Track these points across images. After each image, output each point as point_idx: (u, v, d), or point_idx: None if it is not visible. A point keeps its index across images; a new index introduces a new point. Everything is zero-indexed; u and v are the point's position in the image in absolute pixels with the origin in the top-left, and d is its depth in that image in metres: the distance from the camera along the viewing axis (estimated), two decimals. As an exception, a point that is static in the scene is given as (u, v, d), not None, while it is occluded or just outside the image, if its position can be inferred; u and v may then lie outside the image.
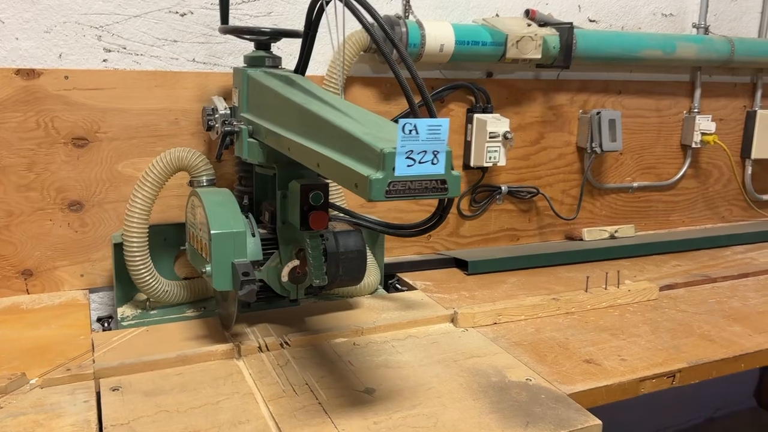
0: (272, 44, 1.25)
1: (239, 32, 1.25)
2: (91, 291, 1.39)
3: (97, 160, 1.33)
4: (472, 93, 1.65)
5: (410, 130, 0.69)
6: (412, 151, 0.70)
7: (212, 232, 1.03)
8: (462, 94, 1.66)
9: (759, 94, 2.09)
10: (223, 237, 1.04)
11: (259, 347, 1.11)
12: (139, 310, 1.33)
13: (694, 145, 1.96)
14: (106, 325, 1.29)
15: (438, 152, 0.71)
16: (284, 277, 1.13)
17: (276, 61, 1.24)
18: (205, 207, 1.07)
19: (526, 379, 1.04)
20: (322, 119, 0.82)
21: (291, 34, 1.23)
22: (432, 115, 1.06)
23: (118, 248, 1.27)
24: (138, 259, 1.26)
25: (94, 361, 1.04)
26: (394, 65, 1.04)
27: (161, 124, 1.37)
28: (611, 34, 1.72)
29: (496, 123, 1.60)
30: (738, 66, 1.96)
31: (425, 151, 0.70)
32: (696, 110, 1.97)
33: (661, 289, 1.47)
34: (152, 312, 1.33)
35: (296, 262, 1.13)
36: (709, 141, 1.95)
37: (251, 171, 1.26)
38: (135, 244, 1.25)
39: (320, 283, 1.06)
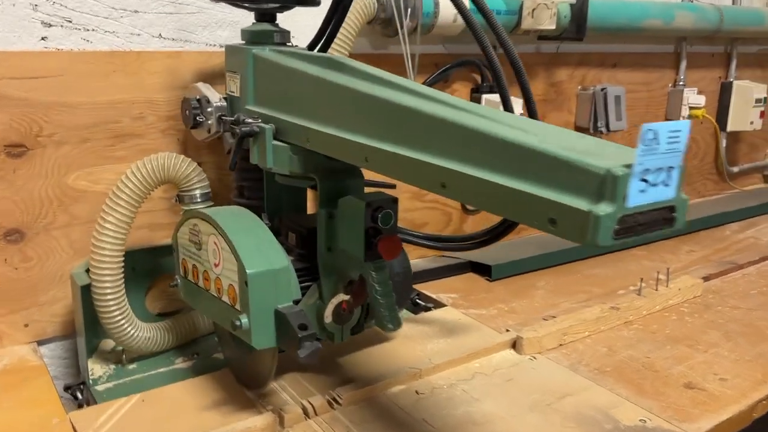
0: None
1: (239, -1, 0.95)
2: (40, 343, 1.06)
3: (40, 172, 1.00)
4: (478, 70, 1.43)
5: (651, 139, 0.47)
6: (648, 170, 0.48)
7: (249, 272, 0.76)
8: (466, 71, 1.44)
9: (734, 64, 2.03)
10: (263, 278, 0.77)
11: (305, 412, 0.85)
12: (113, 366, 1.02)
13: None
14: (78, 396, 0.97)
15: (672, 168, 0.49)
16: (327, 318, 0.87)
17: (285, 37, 0.96)
18: (228, 237, 0.79)
19: (641, 421, 0.87)
20: (455, 124, 0.58)
21: (309, 1, 0.95)
22: (531, 105, 0.85)
23: (86, 290, 0.95)
24: (112, 301, 0.96)
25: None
26: (485, 40, 0.81)
27: (122, 120, 1.05)
28: (618, 3, 1.56)
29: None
30: (723, 36, 1.87)
31: (660, 168, 0.49)
32: (682, 83, 1.87)
33: (699, 282, 1.35)
34: (131, 367, 1.03)
35: (342, 298, 0.88)
36: (697, 115, 1.86)
37: (258, 179, 0.99)
38: (108, 283, 0.94)
39: (393, 329, 0.82)
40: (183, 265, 0.93)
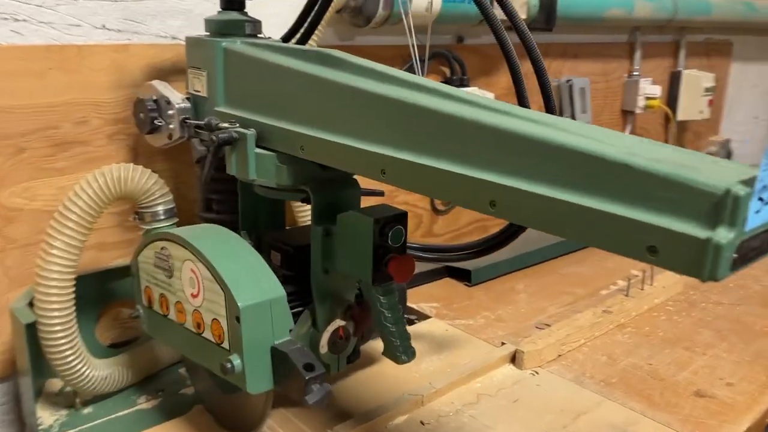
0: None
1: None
2: (-30, 390, 0.90)
3: (-36, 190, 0.84)
4: (447, 63, 1.35)
5: (774, 153, 0.39)
6: (765, 186, 0.40)
7: (241, 305, 0.65)
8: (434, 64, 1.35)
9: (683, 53, 2.04)
10: (258, 310, 0.66)
11: (306, 458, 0.75)
12: (64, 411, 0.88)
13: (637, 111, 1.86)
14: (27, 454, 0.82)
15: (783, 183, 0.42)
16: (323, 348, 0.77)
17: (257, 28, 0.84)
18: (212, 264, 0.67)
19: (663, 438, 0.81)
20: (511, 133, 0.49)
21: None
22: (550, 102, 0.77)
23: (30, 328, 0.80)
24: (62, 339, 0.82)
25: None
26: (501, 30, 0.73)
27: (63, 126, 0.90)
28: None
29: (481, 99, 1.32)
30: (674, 25, 1.87)
31: (772, 185, 0.41)
32: (637, 73, 1.86)
33: (678, 277, 1.33)
34: (86, 411, 0.89)
35: (339, 324, 0.78)
36: (653, 106, 1.85)
37: (231, 191, 0.87)
38: (56, 318, 0.80)
39: (407, 360, 0.72)
40: (146, 293, 0.81)
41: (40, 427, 0.84)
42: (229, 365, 0.66)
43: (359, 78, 0.64)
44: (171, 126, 0.84)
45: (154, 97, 0.86)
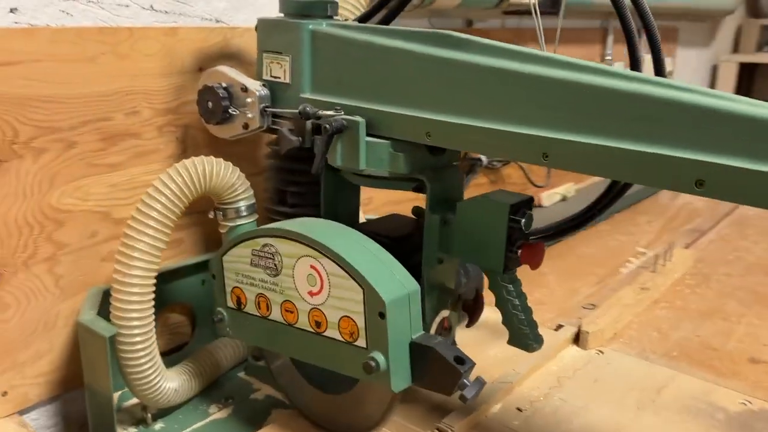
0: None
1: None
2: (21, 413, 0.81)
3: (15, 191, 0.74)
4: (461, 48, 1.34)
5: None
6: None
7: (386, 300, 0.61)
8: (448, 49, 1.34)
9: (643, 38, 2.12)
10: (400, 305, 0.63)
11: (427, 454, 0.73)
12: (133, 429, 0.81)
13: (611, 95, 1.92)
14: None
15: None
16: (431, 340, 0.75)
17: (335, 9, 0.80)
18: (345, 259, 0.63)
19: (742, 404, 0.85)
20: (701, 107, 0.49)
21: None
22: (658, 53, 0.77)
23: (100, 342, 0.73)
24: (142, 351, 0.75)
25: None
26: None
27: (115, 117, 0.82)
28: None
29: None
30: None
31: None
32: (609, 57, 1.93)
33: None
34: (158, 427, 0.82)
35: (444, 315, 0.75)
36: (626, 89, 1.92)
37: (308, 183, 0.82)
38: (137, 327, 0.74)
39: (538, 347, 0.71)
40: (234, 294, 0.75)
41: (118, 449, 0.77)
42: (373, 363, 0.62)
43: (496, 59, 0.62)
44: (249, 115, 0.78)
45: (224, 84, 0.80)
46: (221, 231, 0.81)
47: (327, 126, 0.68)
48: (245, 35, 0.94)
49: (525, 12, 1.44)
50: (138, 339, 0.74)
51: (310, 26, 0.75)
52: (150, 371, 0.76)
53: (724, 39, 2.93)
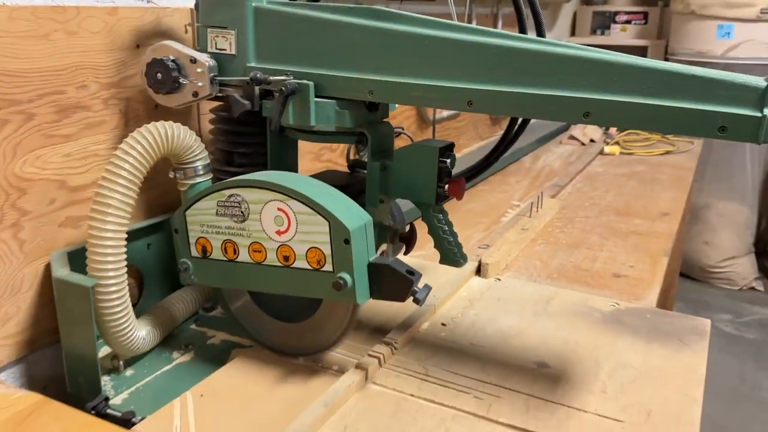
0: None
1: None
2: (-5, 374, 0.85)
3: (-17, 160, 0.79)
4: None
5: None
6: (774, 82, 0.64)
7: (351, 228, 0.75)
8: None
9: (500, 23, 2.39)
10: (361, 232, 0.77)
11: (378, 360, 0.87)
12: (107, 377, 0.88)
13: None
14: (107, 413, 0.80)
15: (776, 84, 0.67)
16: (375, 270, 0.89)
17: (270, -11, 0.91)
18: (311, 198, 0.76)
19: (612, 305, 1.08)
20: (600, 61, 0.67)
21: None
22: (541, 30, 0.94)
23: (83, 293, 0.79)
24: (117, 301, 0.83)
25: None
26: None
27: (67, 90, 0.88)
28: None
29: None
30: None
31: None
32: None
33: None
34: (129, 373, 0.90)
35: (383, 248, 0.90)
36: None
37: (256, 143, 0.93)
38: (112, 278, 0.82)
39: (464, 263, 0.87)
40: (199, 244, 0.85)
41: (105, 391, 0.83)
42: (342, 282, 0.76)
43: (424, 28, 0.77)
44: (200, 84, 0.88)
45: (172, 57, 0.88)
46: (181, 189, 0.90)
47: (283, 89, 0.80)
48: (174, 14, 1.02)
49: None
50: (114, 289, 0.82)
51: (253, 4, 0.86)
52: (124, 319, 0.84)
53: (564, 24, 3.32)
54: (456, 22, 0.77)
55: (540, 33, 0.90)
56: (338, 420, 0.77)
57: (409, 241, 0.91)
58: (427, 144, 0.83)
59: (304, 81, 0.82)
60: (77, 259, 0.86)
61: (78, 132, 0.90)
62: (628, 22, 3.41)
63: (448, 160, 0.83)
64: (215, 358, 0.94)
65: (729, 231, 3.30)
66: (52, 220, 0.89)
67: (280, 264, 0.80)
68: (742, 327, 2.97)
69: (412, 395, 0.82)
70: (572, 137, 2.41)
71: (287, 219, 0.78)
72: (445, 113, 1.94)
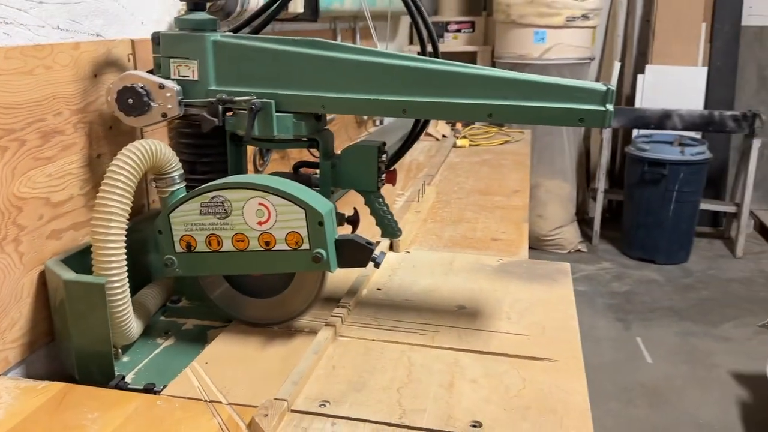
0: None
1: (186, -10, 1.02)
2: (3, 374, 0.95)
3: (-8, 183, 0.89)
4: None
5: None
6: (611, 87, 0.96)
7: (323, 212, 0.96)
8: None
9: (358, 36, 2.66)
10: (330, 215, 0.98)
11: (341, 318, 1.09)
12: (108, 365, 1.01)
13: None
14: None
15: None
16: (328, 248, 1.11)
17: (218, 24, 1.09)
18: (288, 192, 0.96)
19: (499, 261, 1.39)
20: (495, 77, 0.95)
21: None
22: (435, 44, 1.20)
23: (97, 290, 0.93)
24: (121, 295, 0.98)
25: None
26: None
27: (47, 117, 0.99)
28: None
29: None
30: (361, 14, 2.46)
31: (610, 87, 0.97)
32: (339, 52, 2.40)
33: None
34: (125, 360, 1.04)
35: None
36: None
37: (217, 153, 1.10)
38: (117, 275, 0.97)
39: (401, 234, 1.12)
40: (183, 241, 1.01)
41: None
42: (320, 255, 0.97)
43: (355, 55, 1.01)
44: (169, 106, 1.03)
45: (141, 84, 1.03)
46: (161, 196, 1.05)
47: (252, 107, 0.99)
48: (120, 46, 1.16)
49: (291, 19, 1.82)
50: (118, 285, 0.96)
51: (212, 38, 1.04)
52: (128, 310, 0.99)
53: (403, 33, 3.68)
54: (381, 50, 1.02)
55: (436, 54, 1.17)
56: (326, 362, 0.98)
57: (354, 222, 1.14)
58: (367, 143, 1.06)
59: (266, 99, 1.02)
60: (70, 264, 0.99)
61: (56, 154, 1.02)
62: (458, 30, 3.87)
63: (384, 155, 1.07)
64: (195, 339, 1.10)
65: (556, 205, 3.87)
66: (42, 233, 1.00)
67: (262, 248, 1.00)
68: (574, 282, 3.51)
69: (373, 340, 1.05)
70: (428, 134, 2.75)
71: (267, 211, 0.98)
72: (326, 119, 2.17)
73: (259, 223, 0.99)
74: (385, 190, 1.13)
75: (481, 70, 0.97)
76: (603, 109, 0.93)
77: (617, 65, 4.14)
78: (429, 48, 1.13)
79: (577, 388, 0.91)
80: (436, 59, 1.00)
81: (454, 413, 0.85)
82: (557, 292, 1.23)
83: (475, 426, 0.83)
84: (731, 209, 4.07)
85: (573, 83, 0.94)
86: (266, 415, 0.82)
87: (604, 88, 0.93)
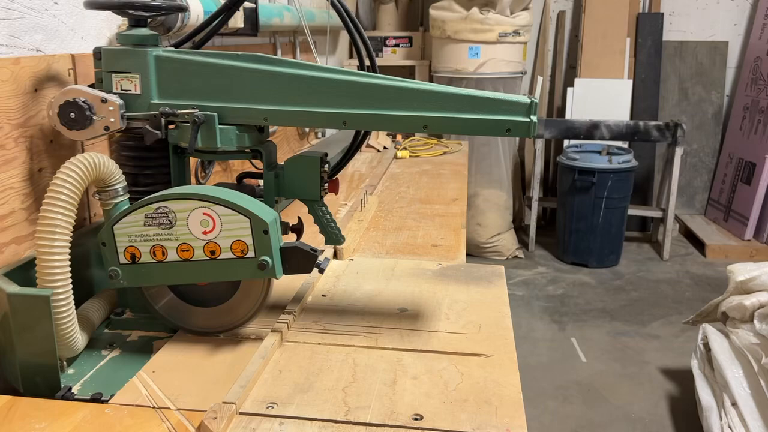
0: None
1: (127, 6, 1.04)
2: (-54, 392, 0.94)
3: (-68, 198, 0.89)
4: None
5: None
6: (536, 99, 1.03)
7: (268, 221, 1.00)
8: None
9: (298, 50, 2.70)
10: (274, 224, 1.02)
11: (287, 324, 1.12)
12: (53, 378, 1.02)
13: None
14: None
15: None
16: (272, 256, 1.14)
17: (160, 40, 1.11)
18: (233, 202, 0.99)
19: (439, 265, 1.45)
20: (429, 91, 1.01)
21: (177, 8, 1.12)
22: (372, 59, 1.25)
23: (42, 302, 0.93)
24: (66, 308, 0.99)
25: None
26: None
27: (-13, 132, 0.99)
28: (263, 6, 2.00)
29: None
30: (300, 29, 2.51)
31: (535, 99, 1.05)
32: (279, 66, 2.44)
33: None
34: (71, 372, 1.04)
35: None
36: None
37: (159, 166, 1.12)
38: (61, 287, 0.98)
39: (344, 241, 1.16)
40: (128, 252, 1.03)
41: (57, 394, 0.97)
42: (265, 263, 1.00)
43: (295, 69, 1.05)
44: (112, 119, 1.05)
45: (83, 99, 1.04)
46: (105, 208, 1.06)
47: (196, 119, 1.02)
48: (60, 61, 1.16)
49: (231, 34, 1.84)
50: (63, 297, 0.97)
51: (154, 53, 1.06)
52: (72, 323, 0.99)
53: (343, 47, 3.74)
54: (322, 65, 1.06)
55: (374, 69, 1.22)
56: (273, 366, 1.01)
57: (299, 231, 1.17)
58: (310, 154, 1.10)
59: (209, 112, 1.05)
60: (13, 278, 0.99)
61: (-3, 168, 1.02)
62: (397, 45, 3.95)
63: (326, 165, 1.11)
64: (140, 350, 1.11)
65: (493, 213, 3.99)
66: (-17, 247, 1.00)
67: (207, 258, 1.02)
68: (512, 287, 3.64)
69: (319, 344, 1.09)
70: (369, 145, 2.81)
71: (212, 221, 1.01)
72: (267, 132, 2.20)
73: (204, 233, 1.01)
74: (329, 199, 1.17)
75: (417, 84, 1.03)
76: (528, 120, 1.00)
77: (540, 79, 4.32)
78: (367, 62, 1.18)
79: (511, 381, 0.97)
80: (373, 74, 1.05)
81: (397, 408, 0.90)
82: (492, 293, 1.30)
83: (416, 419, 0.88)
84: (657, 214, 4.29)
85: (500, 96, 1.01)
86: (215, 417, 0.85)
87: (528, 100, 1.00)
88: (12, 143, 1.05)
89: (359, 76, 1.04)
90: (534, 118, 1.00)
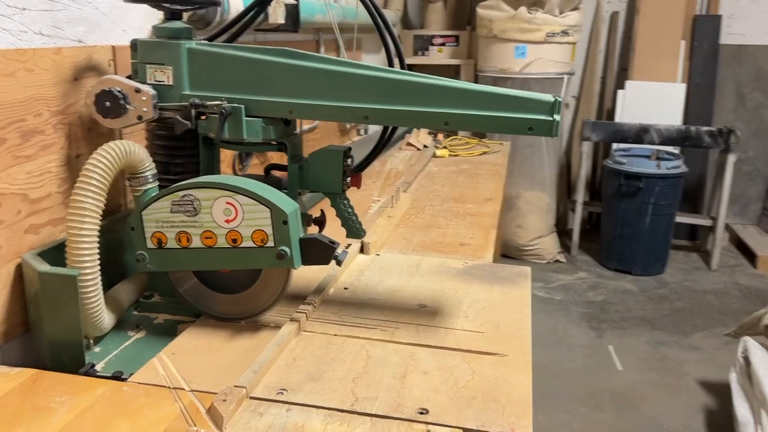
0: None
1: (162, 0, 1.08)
2: (-20, 363, 0.99)
3: (-28, 178, 0.94)
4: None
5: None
6: (560, 99, 1.02)
7: (288, 212, 1.02)
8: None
9: (321, 48, 2.72)
10: (295, 215, 1.04)
11: (306, 315, 1.14)
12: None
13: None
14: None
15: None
16: (294, 247, 1.16)
17: (194, 33, 1.15)
18: (255, 192, 1.02)
19: (463, 264, 1.44)
20: (451, 87, 1.01)
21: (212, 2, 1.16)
22: (401, 58, 1.26)
23: (70, 282, 0.98)
24: (94, 287, 1.03)
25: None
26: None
27: (27, 118, 1.05)
28: (304, 3, 2.03)
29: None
30: (346, 26, 2.53)
31: (559, 99, 1.04)
32: (322, 62, 2.47)
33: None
34: (97, 350, 1.08)
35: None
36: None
37: (189, 155, 1.16)
38: (90, 268, 1.02)
39: (365, 234, 1.17)
40: (155, 237, 1.07)
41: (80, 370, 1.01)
42: (284, 252, 1.02)
43: (324, 64, 1.07)
44: (144, 109, 1.09)
45: (118, 88, 1.08)
46: (135, 195, 1.10)
47: (223, 111, 1.05)
48: (101, 52, 1.21)
49: (273, 30, 1.88)
50: (90, 277, 1.01)
51: (187, 45, 1.09)
52: (99, 303, 1.03)
53: (389, 45, 3.75)
54: (347, 60, 1.08)
55: (402, 66, 1.23)
56: (287, 354, 1.03)
57: (321, 223, 1.19)
58: (333, 148, 1.12)
59: (236, 104, 1.07)
60: (47, 258, 1.04)
61: (36, 153, 1.07)
62: (443, 44, 3.95)
63: (350, 159, 1.13)
64: (165, 332, 1.15)
65: (535, 215, 3.94)
66: (19, 227, 1.05)
67: (229, 245, 1.05)
68: (551, 291, 3.59)
69: (335, 335, 1.10)
70: (409, 144, 2.81)
71: (235, 210, 1.03)
72: (306, 126, 2.23)
73: (227, 221, 1.04)
74: (361, 195, 1.18)
75: (438, 80, 1.03)
76: (550, 119, 0.99)
77: (566, 78, 4.18)
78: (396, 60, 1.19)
79: (522, 381, 0.97)
80: (396, 69, 1.06)
81: (404, 401, 0.91)
82: (515, 293, 1.29)
83: (421, 413, 0.88)
84: (707, 222, 4.16)
85: (523, 94, 1.00)
86: (225, 400, 0.87)
87: (552, 99, 0.99)
88: (51, 129, 1.10)
89: (382, 72, 1.05)
90: (557, 117, 0.99)
